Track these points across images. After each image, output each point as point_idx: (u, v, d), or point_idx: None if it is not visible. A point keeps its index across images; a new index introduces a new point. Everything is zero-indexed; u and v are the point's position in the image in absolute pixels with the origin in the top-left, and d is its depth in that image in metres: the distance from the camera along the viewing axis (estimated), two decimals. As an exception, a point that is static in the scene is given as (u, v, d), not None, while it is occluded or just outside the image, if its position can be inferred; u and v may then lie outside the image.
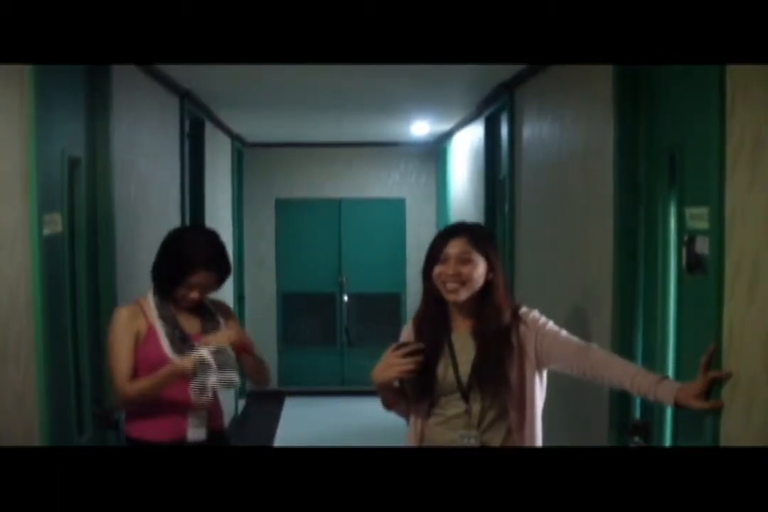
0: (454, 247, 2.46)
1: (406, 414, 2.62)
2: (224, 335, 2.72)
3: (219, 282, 2.82)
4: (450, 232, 2.53)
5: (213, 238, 2.82)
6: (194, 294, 2.74)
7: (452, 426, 2.49)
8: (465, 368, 2.47)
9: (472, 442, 2.46)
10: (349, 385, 8.56)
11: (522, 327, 2.47)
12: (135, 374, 2.71)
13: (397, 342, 2.48)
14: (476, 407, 2.47)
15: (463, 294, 2.45)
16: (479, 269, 2.46)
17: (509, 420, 2.46)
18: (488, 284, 2.48)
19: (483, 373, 2.44)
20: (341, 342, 8.88)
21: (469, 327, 2.51)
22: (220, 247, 2.80)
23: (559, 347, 2.44)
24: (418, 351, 2.40)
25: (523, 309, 2.53)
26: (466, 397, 2.47)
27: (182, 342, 2.72)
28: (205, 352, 2.62)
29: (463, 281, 2.44)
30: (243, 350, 2.77)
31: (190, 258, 2.71)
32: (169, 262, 2.75)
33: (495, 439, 2.47)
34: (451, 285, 2.45)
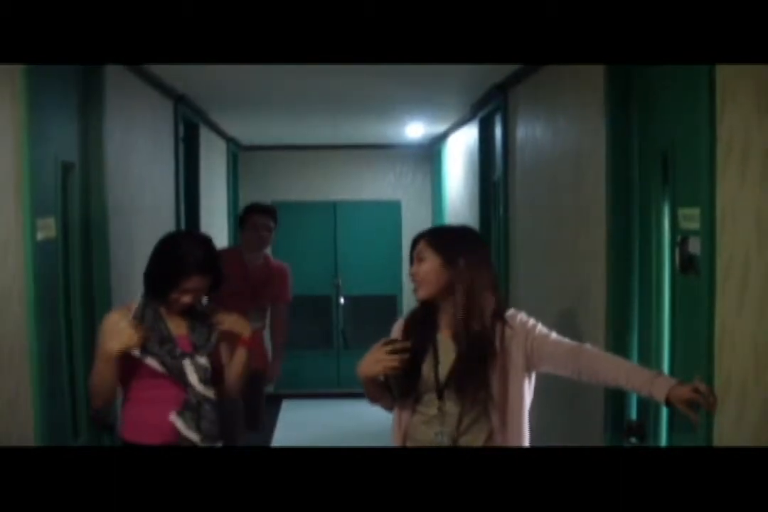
0: (416, 249, 2.56)
1: (390, 408, 2.65)
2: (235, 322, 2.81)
3: (213, 288, 2.82)
4: (418, 234, 2.61)
5: (206, 243, 2.82)
6: (186, 299, 2.74)
7: (432, 425, 2.51)
8: (445, 368, 2.49)
9: (445, 441, 2.47)
10: (346, 387, 8.53)
11: (507, 331, 2.47)
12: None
13: (385, 339, 2.50)
14: (455, 408, 2.48)
15: (422, 293, 2.53)
16: (427, 266, 2.50)
17: (491, 422, 2.47)
18: (452, 283, 2.48)
19: (458, 374, 2.46)
20: (337, 345, 8.87)
21: (452, 328, 2.53)
22: (213, 252, 2.80)
23: (551, 348, 2.45)
24: (404, 350, 2.44)
25: (510, 312, 2.53)
26: (440, 396, 2.48)
27: (161, 345, 2.72)
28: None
29: (419, 280, 2.52)
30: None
31: (184, 264, 2.70)
32: (162, 267, 2.74)
33: (477, 440, 2.49)
34: (414, 285, 2.53)
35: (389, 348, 2.44)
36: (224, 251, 5.00)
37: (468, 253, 2.51)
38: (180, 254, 2.71)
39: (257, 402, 4.78)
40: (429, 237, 2.55)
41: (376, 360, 2.44)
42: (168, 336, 2.74)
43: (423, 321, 2.56)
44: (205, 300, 2.96)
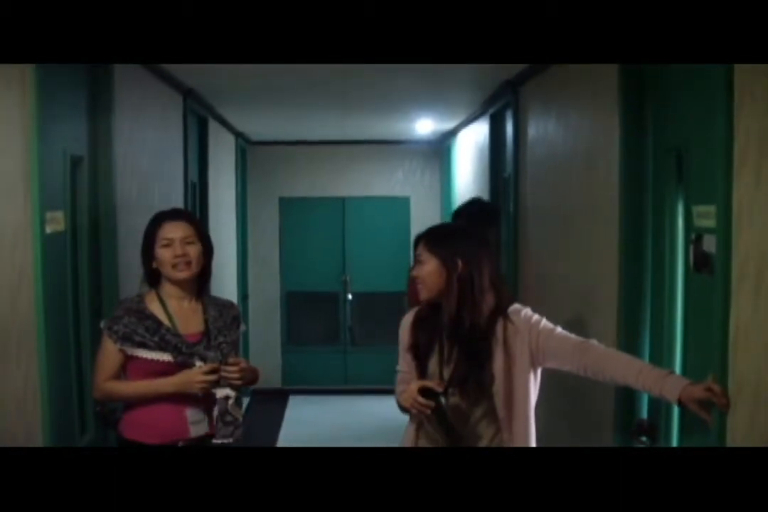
0: (416, 251, 2.57)
1: None
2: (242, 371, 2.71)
3: (195, 234, 2.77)
4: (416, 236, 2.62)
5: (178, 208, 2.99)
6: (176, 251, 2.71)
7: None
8: (450, 366, 2.51)
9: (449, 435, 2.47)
10: (353, 384, 8.55)
11: (509, 326, 2.47)
12: (117, 373, 2.72)
13: (424, 383, 2.46)
14: (460, 405, 2.48)
15: (423, 294, 2.54)
16: (426, 268, 2.51)
17: (498, 420, 2.47)
18: (451, 283, 2.48)
19: (458, 372, 2.47)
20: (345, 341, 8.87)
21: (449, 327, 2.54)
22: (183, 211, 3.00)
23: (556, 344, 2.43)
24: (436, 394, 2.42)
25: (513, 307, 2.52)
26: (446, 394, 2.47)
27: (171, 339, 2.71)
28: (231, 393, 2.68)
29: (419, 282, 2.53)
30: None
31: (155, 218, 2.82)
32: (144, 236, 2.80)
33: (484, 437, 2.49)
34: (417, 286, 2.54)
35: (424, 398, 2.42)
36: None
37: (465, 252, 2.50)
38: (153, 218, 2.84)
39: None
40: (426, 239, 2.56)
41: (412, 405, 2.43)
42: (175, 331, 2.72)
43: (429, 319, 2.57)
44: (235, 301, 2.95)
